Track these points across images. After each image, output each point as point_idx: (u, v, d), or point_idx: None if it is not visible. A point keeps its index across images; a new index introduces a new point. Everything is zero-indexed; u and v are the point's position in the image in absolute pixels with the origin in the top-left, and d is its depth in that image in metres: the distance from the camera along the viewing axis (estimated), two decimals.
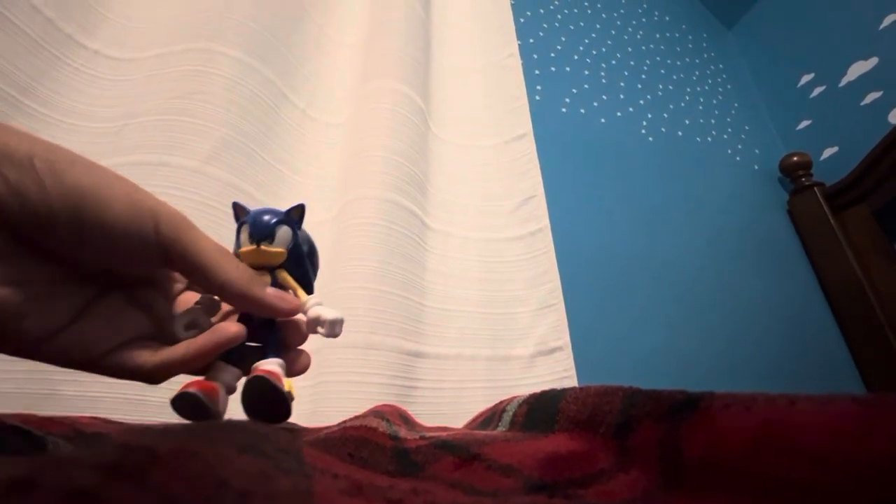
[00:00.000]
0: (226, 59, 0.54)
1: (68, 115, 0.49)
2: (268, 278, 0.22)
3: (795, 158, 1.25)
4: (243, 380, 0.21)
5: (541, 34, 1.04)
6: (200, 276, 0.19)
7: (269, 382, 0.20)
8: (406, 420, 0.27)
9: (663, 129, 1.14)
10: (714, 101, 1.36)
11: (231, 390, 0.21)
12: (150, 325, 0.20)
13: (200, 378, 0.20)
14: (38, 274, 0.17)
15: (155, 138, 0.49)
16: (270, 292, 0.21)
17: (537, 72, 0.97)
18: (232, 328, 0.20)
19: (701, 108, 1.30)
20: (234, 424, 0.16)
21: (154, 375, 0.20)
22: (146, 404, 0.39)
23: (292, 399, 0.21)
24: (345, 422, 0.23)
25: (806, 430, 0.12)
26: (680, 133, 1.18)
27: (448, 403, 0.55)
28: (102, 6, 0.55)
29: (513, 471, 0.15)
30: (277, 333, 0.23)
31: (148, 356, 0.19)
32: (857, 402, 0.12)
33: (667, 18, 1.44)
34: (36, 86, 0.47)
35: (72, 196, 0.16)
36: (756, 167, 1.31)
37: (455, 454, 0.17)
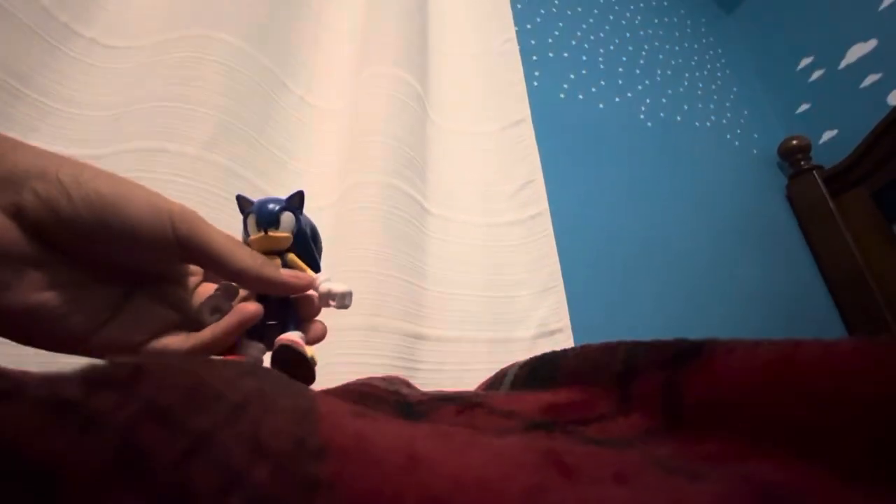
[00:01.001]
0: (223, 45, 0.54)
1: (67, 103, 0.49)
2: (278, 261, 0.24)
3: (795, 142, 1.25)
4: (268, 355, 0.23)
5: (538, 20, 1.04)
6: (217, 266, 0.21)
7: (292, 348, 0.22)
8: (409, 386, 0.27)
9: (662, 115, 1.14)
10: (713, 86, 1.35)
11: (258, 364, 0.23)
12: (176, 316, 0.22)
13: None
14: (73, 278, 0.19)
15: (153, 125, 0.49)
16: (284, 272, 0.23)
17: (535, 57, 0.97)
18: (251, 307, 0.22)
19: (700, 92, 1.29)
20: (234, 360, 0.17)
21: None
22: None
23: (315, 364, 0.22)
24: (348, 383, 0.24)
25: (809, 370, 0.12)
26: (678, 118, 1.18)
27: (449, 385, 0.55)
28: None
29: (514, 414, 0.16)
30: (293, 309, 0.24)
31: (181, 342, 0.21)
32: (861, 343, 0.12)
33: (665, 3, 1.43)
34: (34, 75, 0.47)
35: (96, 204, 0.17)
36: (755, 151, 1.31)
37: (457, 403, 0.17)
